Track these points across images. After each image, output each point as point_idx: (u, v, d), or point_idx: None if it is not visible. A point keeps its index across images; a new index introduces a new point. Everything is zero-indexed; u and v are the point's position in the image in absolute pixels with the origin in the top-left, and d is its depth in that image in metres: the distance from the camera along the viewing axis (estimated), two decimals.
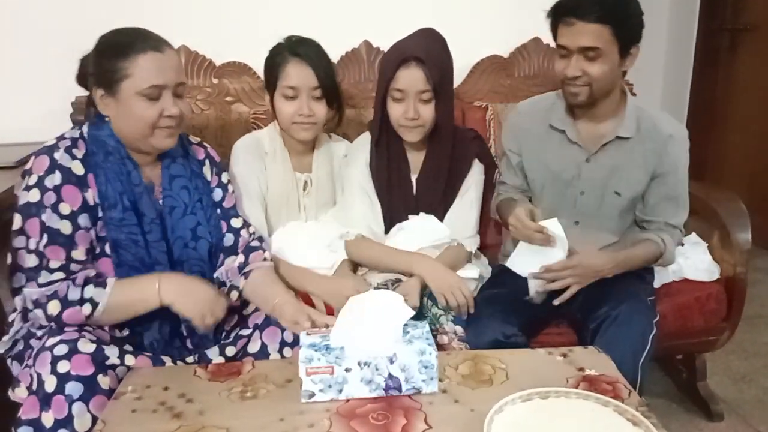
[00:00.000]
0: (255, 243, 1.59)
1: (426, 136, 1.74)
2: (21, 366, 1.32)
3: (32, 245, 1.30)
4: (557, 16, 1.56)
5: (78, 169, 1.35)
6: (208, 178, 1.57)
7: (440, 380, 1.27)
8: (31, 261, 1.30)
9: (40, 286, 1.29)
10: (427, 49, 1.65)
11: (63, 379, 1.19)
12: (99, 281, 1.33)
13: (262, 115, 2.07)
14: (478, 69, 2.24)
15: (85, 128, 1.42)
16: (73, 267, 1.33)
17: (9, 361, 1.41)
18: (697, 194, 1.89)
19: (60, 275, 1.31)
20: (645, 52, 1.59)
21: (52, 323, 1.30)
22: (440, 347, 1.52)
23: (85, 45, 2.07)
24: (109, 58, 1.35)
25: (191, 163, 1.53)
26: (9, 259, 1.44)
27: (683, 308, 1.80)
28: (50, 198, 1.30)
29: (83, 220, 1.34)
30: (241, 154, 1.75)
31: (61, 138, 1.38)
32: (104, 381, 1.24)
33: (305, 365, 1.20)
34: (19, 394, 1.25)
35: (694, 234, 1.99)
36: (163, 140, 1.41)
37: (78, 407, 1.19)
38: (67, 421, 1.18)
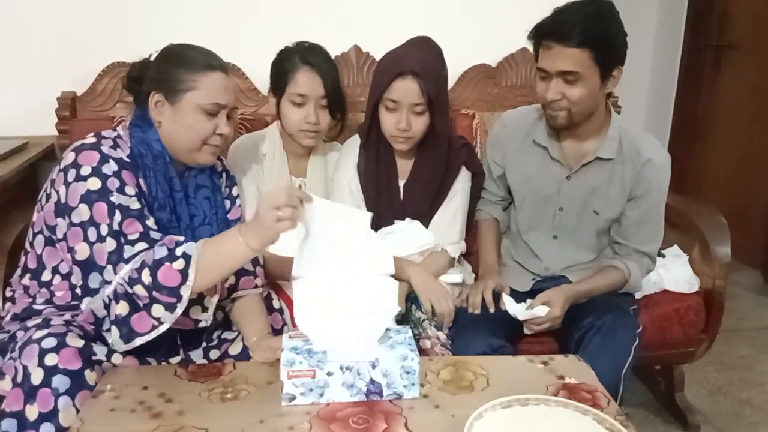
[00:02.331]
0: (248, 266, 1.55)
1: (416, 145, 1.75)
2: (3, 358, 1.30)
3: (104, 230, 1.27)
4: (537, 39, 1.56)
5: (127, 160, 1.35)
6: (222, 190, 1.58)
7: (421, 385, 1.27)
8: (109, 245, 1.26)
9: (127, 261, 1.26)
10: (423, 62, 1.64)
11: (50, 372, 1.18)
12: (189, 241, 1.30)
13: (249, 117, 2.06)
14: (466, 77, 2.26)
15: (121, 130, 1.41)
16: (153, 235, 1.31)
17: None
18: (678, 208, 1.92)
19: (143, 245, 1.28)
20: (630, 66, 1.60)
21: (154, 293, 1.23)
22: (422, 352, 1.53)
23: (74, 42, 2.08)
24: (177, 67, 1.38)
25: (214, 176, 1.55)
26: (21, 260, 1.44)
27: (663, 319, 1.82)
28: (114, 182, 1.29)
29: (144, 202, 1.34)
30: (240, 158, 1.74)
31: (100, 136, 1.36)
32: (91, 376, 1.23)
33: (287, 368, 1.20)
34: (3, 386, 1.23)
35: (675, 246, 2.02)
36: (207, 156, 1.43)
37: (64, 401, 1.18)
38: (52, 414, 1.17)
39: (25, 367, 1.19)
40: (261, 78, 2.05)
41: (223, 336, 1.51)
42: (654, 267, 1.76)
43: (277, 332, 1.52)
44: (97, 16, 2.09)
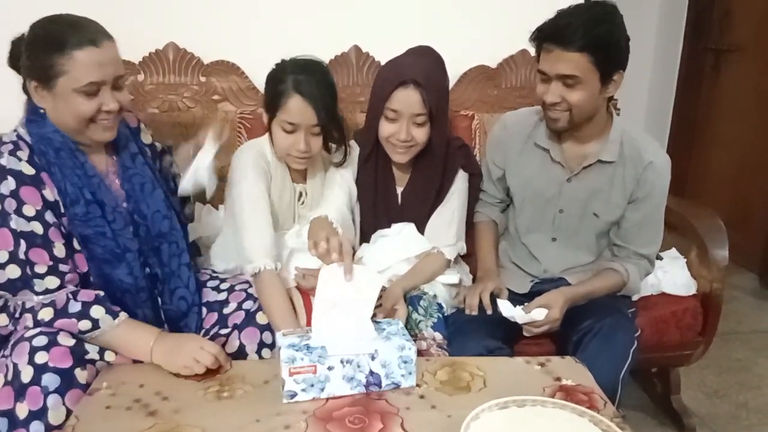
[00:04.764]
0: None
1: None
2: None
3: (5, 257, 1.25)
4: (538, 41, 1.55)
5: (28, 170, 1.29)
6: (147, 142, 1.58)
7: (418, 386, 1.27)
8: (12, 272, 1.26)
9: (37, 294, 1.27)
10: (426, 72, 1.62)
11: (40, 370, 1.18)
12: (111, 309, 1.31)
13: (248, 115, 2.06)
14: (465, 78, 2.25)
15: (21, 129, 1.35)
16: (62, 267, 1.30)
17: None
18: (676, 210, 1.92)
19: (54, 281, 1.29)
20: (630, 68, 1.59)
21: (41, 329, 1.25)
22: (419, 353, 1.52)
23: None
24: (43, 52, 1.28)
25: (137, 140, 1.53)
26: None
27: (660, 322, 1.82)
28: (11, 204, 1.26)
29: (49, 216, 1.30)
30: (250, 170, 1.65)
31: (1, 143, 1.32)
32: (82, 375, 1.23)
33: (288, 365, 1.20)
34: None
35: (673, 249, 2.02)
36: (101, 134, 1.36)
37: (53, 399, 1.18)
38: (42, 413, 1.17)
39: (15, 365, 1.19)
40: (261, 77, 2.02)
41: (220, 332, 1.50)
42: (653, 270, 1.76)
43: None
44: (99, 17, 2.08)
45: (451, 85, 2.22)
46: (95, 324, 1.28)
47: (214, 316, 1.53)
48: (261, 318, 1.51)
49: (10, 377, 1.19)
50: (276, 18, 2.16)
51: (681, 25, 3.53)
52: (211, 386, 1.26)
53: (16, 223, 1.26)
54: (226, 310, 1.54)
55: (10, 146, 1.31)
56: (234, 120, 2.06)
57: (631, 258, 1.71)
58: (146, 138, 1.58)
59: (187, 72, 2.10)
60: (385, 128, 1.66)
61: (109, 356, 1.32)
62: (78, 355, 1.24)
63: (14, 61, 1.36)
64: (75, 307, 1.27)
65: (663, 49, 3.62)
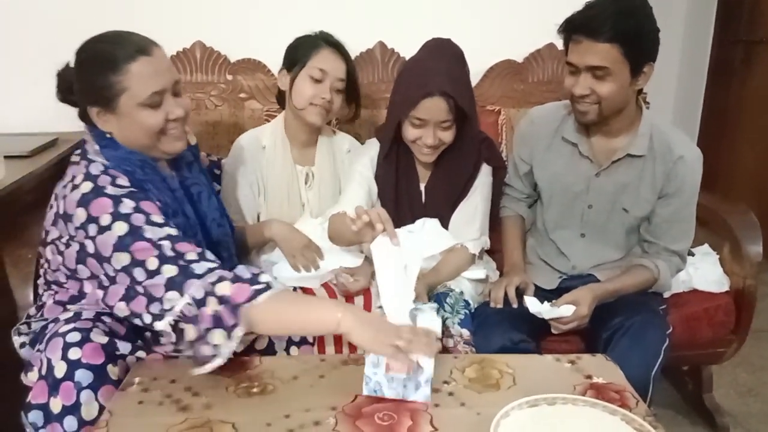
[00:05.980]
0: None
1: None
2: (33, 350, 1.32)
3: (154, 264, 1.19)
4: (567, 33, 1.54)
5: (135, 188, 1.27)
6: (193, 143, 1.57)
7: (446, 383, 1.27)
8: (169, 271, 1.19)
9: (200, 277, 1.18)
10: (450, 77, 1.60)
11: (73, 365, 1.20)
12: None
13: (275, 113, 2.07)
14: (491, 73, 2.24)
15: (99, 159, 1.29)
16: (208, 255, 1.24)
17: (19, 345, 1.41)
18: (708, 206, 1.88)
19: (208, 264, 1.21)
20: (659, 61, 1.57)
21: (223, 306, 1.17)
22: (446, 350, 1.52)
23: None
24: (97, 74, 1.25)
25: (191, 149, 1.52)
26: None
27: (692, 319, 1.80)
28: (139, 219, 1.21)
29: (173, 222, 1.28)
30: (236, 151, 1.78)
31: (92, 177, 1.25)
32: (113, 371, 1.24)
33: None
34: (31, 378, 1.26)
35: (706, 245, 1.99)
36: (173, 144, 1.34)
37: (86, 395, 1.19)
38: (75, 408, 1.19)
39: (49, 360, 1.21)
40: None
41: None
42: (684, 266, 1.74)
43: None
44: (124, 12, 2.11)
45: (477, 80, 2.22)
46: (268, 285, 1.19)
47: None
48: None
49: (44, 372, 1.21)
50: (301, 15, 2.17)
51: (711, 16, 3.46)
52: (241, 382, 1.27)
53: (151, 232, 1.20)
54: None
55: (108, 178, 1.25)
56: (261, 117, 2.08)
57: (662, 254, 1.68)
58: (192, 139, 1.54)
59: (214, 70, 2.12)
60: (411, 133, 1.66)
61: (140, 355, 1.33)
62: (109, 351, 1.25)
63: (65, 95, 1.34)
64: (245, 272, 1.21)
65: (692, 42, 3.55)
